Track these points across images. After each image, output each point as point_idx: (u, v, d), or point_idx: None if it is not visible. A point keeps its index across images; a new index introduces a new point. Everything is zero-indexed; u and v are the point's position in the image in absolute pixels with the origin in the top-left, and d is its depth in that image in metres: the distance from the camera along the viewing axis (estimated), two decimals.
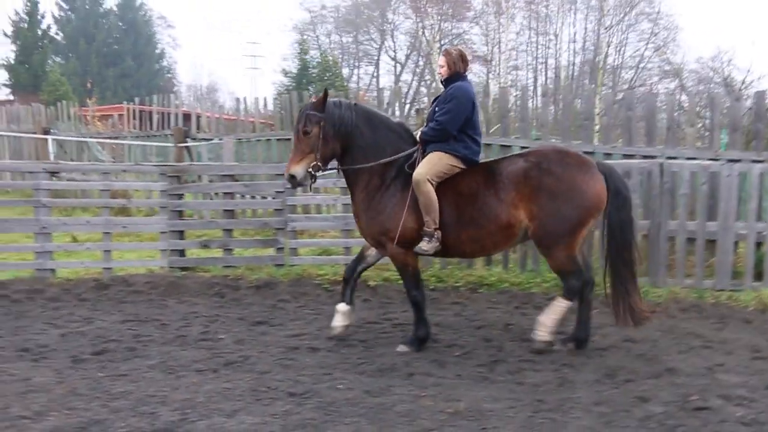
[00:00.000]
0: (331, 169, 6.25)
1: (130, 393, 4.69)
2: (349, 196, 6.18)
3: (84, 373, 5.10)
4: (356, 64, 54.78)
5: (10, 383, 4.86)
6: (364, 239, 6.21)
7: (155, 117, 16.30)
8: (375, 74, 53.82)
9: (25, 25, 43.84)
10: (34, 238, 7.99)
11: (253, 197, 9.09)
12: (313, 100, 5.89)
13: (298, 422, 4.26)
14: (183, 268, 8.29)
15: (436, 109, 5.96)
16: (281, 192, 8.34)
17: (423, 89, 47.17)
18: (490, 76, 43.16)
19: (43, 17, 45.88)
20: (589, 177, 5.64)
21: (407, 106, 39.96)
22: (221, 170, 8.65)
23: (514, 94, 25.83)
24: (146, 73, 55.59)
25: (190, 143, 12.76)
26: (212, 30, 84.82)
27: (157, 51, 58.91)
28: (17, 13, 44.16)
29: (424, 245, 5.73)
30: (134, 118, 17.99)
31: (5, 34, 44.07)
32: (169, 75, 60.14)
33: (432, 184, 5.72)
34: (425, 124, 6.14)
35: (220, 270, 8.28)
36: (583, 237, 5.76)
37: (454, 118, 5.79)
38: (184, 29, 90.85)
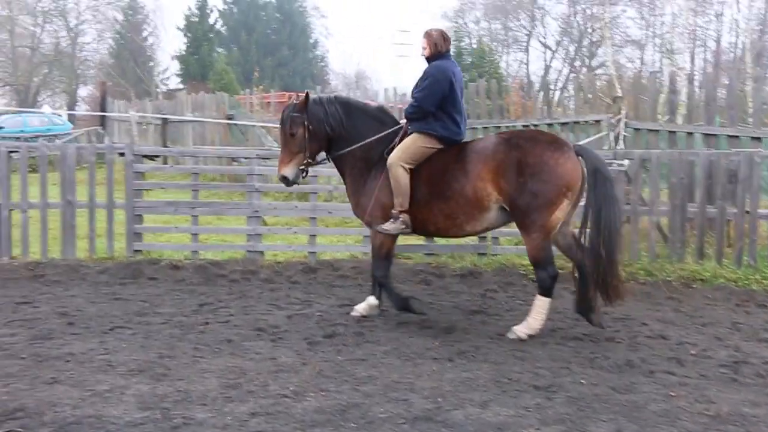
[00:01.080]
0: (321, 161, 6.51)
1: (375, 378, 4.74)
2: None
3: (323, 356, 5.21)
4: (506, 50, 53.93)
5: (260, 362, 5.04)
6: None
7: None
8: (525, 61, 52.82)
9: (196, 19, 46.33)
10: (246, 221, 8.31)
11: None
12: (295, 101, 6.14)
13: (555, 417, 4.15)
14: None
15: (416, 86, 6.10)
16: None
17: (573, 75, 45.78)
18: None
19: (211, 11, 48.31)
20: (559, 154, 5.62)
21: (557, 93, 39.16)
22: None
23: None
24: (301, 62, 57.31)
25: None
26: (362, 19, 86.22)
27: (311, 41, 60.52)
28: (189, 9, 46.76)
29: (387, 225, 6.01)
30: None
31: (179, 28, 46.82)
32: (321, 64, 61.67)
33: (405, 168, 5.90)
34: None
35: (422, 257, 8.31)
36: (557, 220, 5.67)
37: (429, 95, 5.91)
38: (335, 19, 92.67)
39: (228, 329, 5.85)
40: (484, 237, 8.19)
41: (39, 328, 5.73)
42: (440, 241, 8.24)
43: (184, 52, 46.61)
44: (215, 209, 8.56)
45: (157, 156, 12.40)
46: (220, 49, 51.75)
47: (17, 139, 21.13)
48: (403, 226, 6.00)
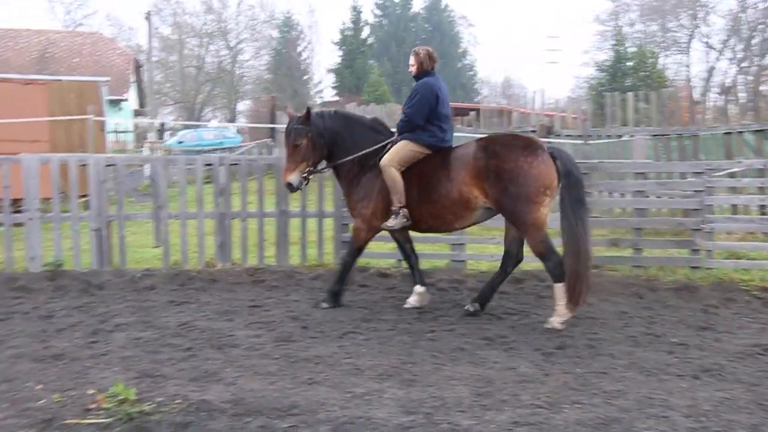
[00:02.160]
0: (323, 169, 7.19)
1: (625, 393, 4.64)
2: None
3: (561, 367, 5.18)
4: (663, 53, 51.76)
5: (502, 371, 5.07)
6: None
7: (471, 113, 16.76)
8: (685, 63, 50.50)
9: (351, 33, 47.65)
10: None
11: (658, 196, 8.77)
12: (298, 115, 6.79)
13: None
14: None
15: (406, 103, 6.77)
16: (700, 191, 7.93)
17: (741, 77, 43.25)
18: None
19: (365, 25, 49.51)
20: (532, 158, 6.15)
21: (722, 96, 37.10)
22: (633, 167, 8.42)
23: None
24: (450, 72, 57.59)
25: (552, 139, 12.80)
26: (510, 26, 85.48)
27: (459, 50, 60.74)
28: (344, 23, 48.20)
29: (390, 221, 6.65)
30: (454, 115, 18.72)
31: (333, 42, 48.35)
32: (470, 73, 61.74)
33: (395, 168, 6.54)
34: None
35: (629, 269, 8.10)
36: (544, 216, 6.18)
37: (418, 110, 6.57)
38: (483, 27, 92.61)
39: (456, 338, 5.92)
40: (697, 250, 7.87)
41: (278, 330, 6.04)
42: (649, 253, 7.99)
43: (338, 65, 48.06)
44: None
45: None
46: (371, 61, 53.08)
47: (197, 152, 22.49)
48: (405, 220, 6.61)
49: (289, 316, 6.52)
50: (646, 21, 51.33)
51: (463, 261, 8.37)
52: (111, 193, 9.31)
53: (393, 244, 8.82)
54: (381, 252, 8.97)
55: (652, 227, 8.97)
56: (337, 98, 46.25)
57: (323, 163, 7.07)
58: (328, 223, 8.62)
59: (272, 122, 25.62)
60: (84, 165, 8.18)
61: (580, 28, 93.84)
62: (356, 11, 48.26)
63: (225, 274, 7.98)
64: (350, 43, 47.07)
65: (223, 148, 25.37)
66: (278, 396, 4.47)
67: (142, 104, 42.76)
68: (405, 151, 6.63)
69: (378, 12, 58.57)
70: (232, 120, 54.00)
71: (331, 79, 50.68)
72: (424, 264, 8.31)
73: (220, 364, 5.11)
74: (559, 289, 6.21)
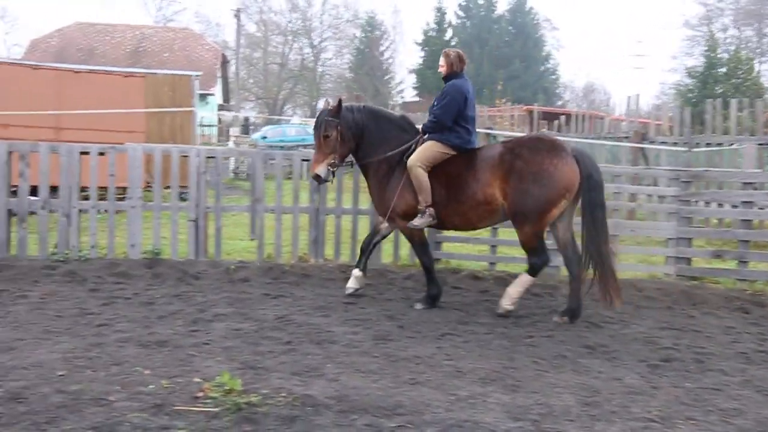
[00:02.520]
0: (347, 163, 7.15)
1: (743, 412, 4.43)
2: None
3: (669, 381, 4.99)
4: (758, 59, 49.82)
5: (607, 381, 4.92)
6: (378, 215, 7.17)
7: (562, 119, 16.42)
8: None
9: (434, 34, 47.57)
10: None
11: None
12: (329, 107, 6.81)
13: None
14: (690, 277, 7.94)
15: (435, 103, 6.79)
16: None
17: None
18: None
19: (448, 26, 49.35)
20: (557, 160, 6.27)
21: None
22: (743, 177, 8.08)
23: None
24: (532, 75, 56.87)
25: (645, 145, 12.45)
26: (594, 30, 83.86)
27: (543, 53, 59.85)
28: (427, 24, 48.15)
29: (416, 221, 6.73)
30: (542, 119, 18.45)
31: (416, 43, 48.36)
32: (553, 77, 60.79)
33: (423, 168, 6.58)
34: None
35: (733, 282, 7.78)
36: (553, 216, 6.35)
37: (448, 111, 6.61)
38: (568, 31, 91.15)
39: (555, 345, 5.79)
40: None
41: (375, 328, 6.01)
42: (755, 266, 7.65)
43: (420, 66, 48.02)
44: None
45: None
46: None
47: (281, 147, 22.80)
48: (431, 219, 6.70)
49: (384, 315, 6.49)
50: (741, 26, 49.59)
51: (557, 267, 8.17)
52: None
53: (483, 246, 8.78)
54: (473, 254, 8.88)
55: (763, 240, 8.55)
56: (418, 99, 46.26)
57: (348, 158, 7.12)
58: None
59: None
60: (185, 156, 8.33)
61: (668, 32, 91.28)
62: (440, 12, 48.19)
63: (318, 270, 8.01)
64: (433, 44, 46.93)
65: (306, 145, 25.63)
66: (382, 395, 4.43)
67: (226, 99, 43.68)
68: (432, 151, 6.68)
69: (461, 13, 58.27)
70: (313, 117, 54.62)
71: (412, 79, 50.72)
72: (518, 269, 8.22)
73: (320, 359, 5.11)
74: (526, 280, 6.56)
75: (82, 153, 8.02)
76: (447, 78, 6.82)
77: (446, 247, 8.66)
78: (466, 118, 6.72)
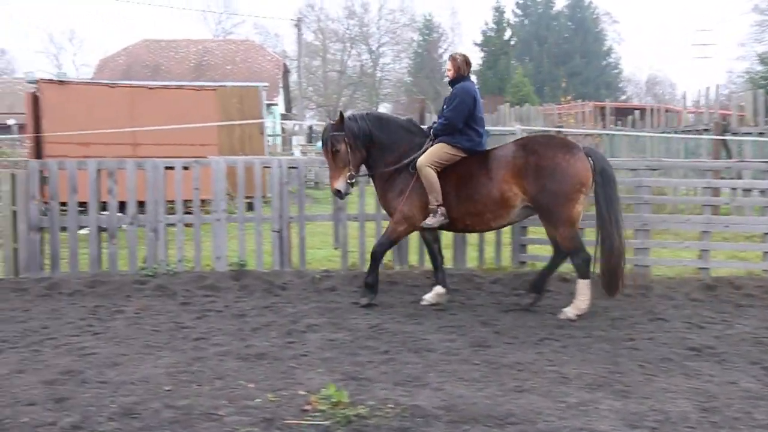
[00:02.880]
0: (364, 174, 7.22)
1: None
2: None
3: None
4: None
5: (722, 385, 4.73)
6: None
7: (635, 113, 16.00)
8: None
9: (493, 34, 47.18)
10: (633, 234, 8.00)
11: None
12: (332, 122, 6.86)
13: None
14: None
15: (444, 107, 6.89)
16: None
17: None
18: None
19: (507, 25, 48.89)
20: (570, 156, 6.40)
21: None
22: None
23: None
24: (594, 70, 55.97)
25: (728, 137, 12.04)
26: (656, 21, 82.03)
27: (604, 48, 58.82)
28: (486, 24, 47.78)
29: (430, 220, 6.74)
30: (611, 115, 18.08)
31: (475, 44, 48.04)
32: (615, 71, 59.69)
33: (432, 168, 6.64)
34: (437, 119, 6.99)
35: None
36: (578, 213, 6.43)
37: (459, 113, 6.66)
38: (628, 23, 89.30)
39: (658, 347, 5.61)
40: None
41: (471, 335, 5.93)
42: None
43: (480, 67, 47.69)
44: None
45: None
46: (513, 62, 52.33)
47: None
48: (443, 218, 6.69)
49: (478, 321, 6.40)
50: None
51: (647, 266, 7.94)
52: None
53: None
54: None
55: None
56: None
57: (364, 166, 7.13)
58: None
59: (422, 123, 25.75)
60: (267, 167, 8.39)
61: (733, 20, 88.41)
62: (499, 12, 47.75)
63: (403, 277, 7.96)
64: (493, 44, 46.54)
65: None
66: (490, 403, 4.34)
67: (288, 108, 44.14)
68: (441, 153, 6.73)
69: (518, 12, 57.71)
70: None
71: (471, 80, 50.39)
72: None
73: (421, 368, 5.05)
74: (584, 285, 6.48)
75: (167, 168, 8.14)
76: (454, 81, 6.89)
77: (531, 249, 8.48)
78: (476, 119, 6.79)
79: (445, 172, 6.72)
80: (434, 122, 7.07)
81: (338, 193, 6.91)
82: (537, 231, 9.49)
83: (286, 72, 43.29)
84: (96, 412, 4.23)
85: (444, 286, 7.10)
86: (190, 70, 38.41)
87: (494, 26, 47.75)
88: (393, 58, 62.00)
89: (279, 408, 4.30)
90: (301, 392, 4.54)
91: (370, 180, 7.44)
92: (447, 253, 8.43)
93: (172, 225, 8.29)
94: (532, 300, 6.92)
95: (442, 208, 6.69)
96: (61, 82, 14.10)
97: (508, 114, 19.93)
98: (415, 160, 6.80)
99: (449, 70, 6.96)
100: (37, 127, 13.81)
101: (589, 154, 6.56)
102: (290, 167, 8.35)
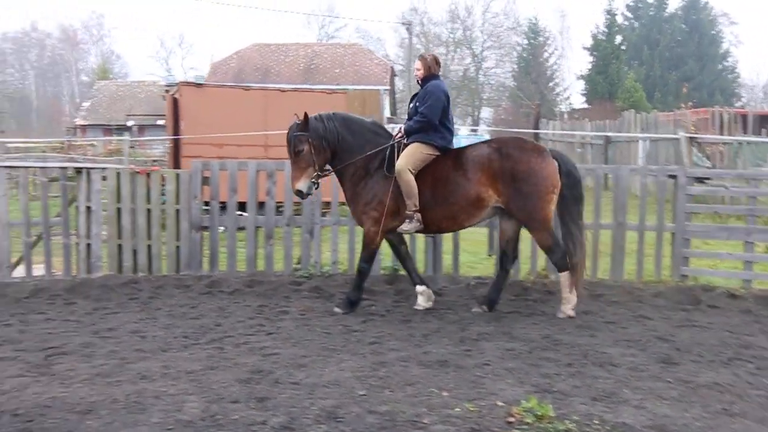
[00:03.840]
0: (328, 172, 7.06)
1: None
2: None
3: None
4: None
5: None
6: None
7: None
8: None
9: (603, 38, 46.06)
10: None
11: None
12: (297, 122, 6.78)
13: None
14: None
15: (417, 104, 6.85)
16: None
17: None
18: None
19: (618, 29, 47.65)
20: (541, 160, 6.65)
21: None
22: None
23: None
24: (708, 75, 53.82)
25: None
26: None
27: (720, 51, 56.50)
28: (597, 27, 46.68)
29: (406, 226, 6.78)
30: (735, 122, 17.29)
31: (585, 48, 47.03)
32: (731, 75, 57.24)
33: (412, 173, 6.65)
34: (407, 119, 7.02)
35: None
36: (551, 213, 6.68)
37: (434, 110, 6.71)
38: (747, 25, 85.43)
39: None
40: None
41: (651, 350, 5.71)
42: None
43: (589, 71, 46.64)
44: None
45: (707, 178, 11.13)
46: (625, 67, 50.88)
47: None
48: (419, 224, 6.76)
49: (653, 335, 6.17)
50: None
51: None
52: None
53: (732, 263, 8.23)
54: (724, 270, 8.34)
55: None
56: (586, 105, 44.93)
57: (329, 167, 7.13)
58: (668, 237, 8.14)
59: (536, 129, 25.38)
60: None
61: None
62: (610, 15, 46.52)
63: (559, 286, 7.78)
64: (603, 48, 45.37)
65: None
66: (702, 426, 4.17)
67: (393, 112, 44.35)
68: (418, 153, 6.75)
69: (629, 14, 56.15)
70: (476, 126, 54.41)
71: (580, 85, 49.24)
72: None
73: (612, 383, 4.90)
74: (565, 277, 6.75)
75: None
76: (425, 80, 6.91)
77: (694, 262, 8.17)
78: (448, 117, 6.89)
79: (420, 173, 6.75)
80: (403, 124, 7.10)
81: (299, 194, 6.90)
82: (703, 244, 9.22)
83: (393, 75, 43.48)
84: (300, 414, 4.28)
85: (422, 283, 7.21)
86: (299, 73, 39.04)
87: (605, 30, 46.51)
88: (496, 62, 61.49)
89: (482, 419, 4.23)
90: (499, 403, 4.46)
91: None
92: (604, 264, 8.26)
93: (327, 227, 8.38)
94: (482, 311, 6.95)
95: (419, 214, 6.73)
96: (199, 85, 14.52)
97: (634, 121, 19.32)
98: (382, 159, 6.87)
99: (419, 69, 6.98)
100: (176, 128, 14.30)
101: (555, 157, 6.80)
102: None
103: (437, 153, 6.82)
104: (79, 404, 4.42)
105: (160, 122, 24.89)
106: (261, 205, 8.37)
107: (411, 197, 6.70)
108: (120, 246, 8.19)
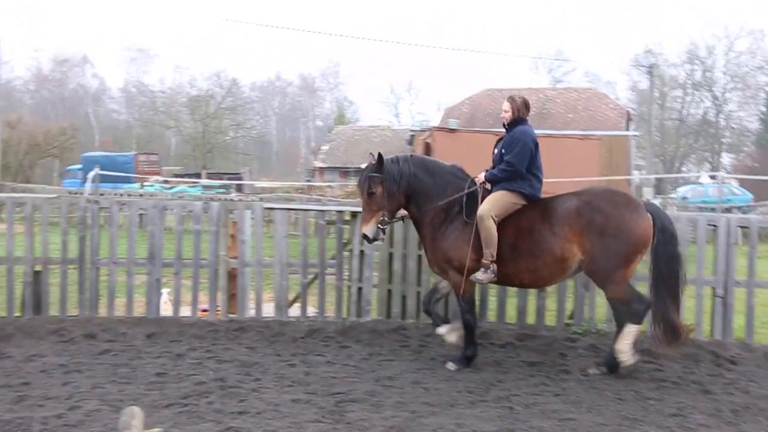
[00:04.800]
0: (397, 218, 6.90)
1: None
2: None
3: None
4: None
5: None
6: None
7: None
8: None
9: None
10: None
11: None
12: (372, 162, 6.47)
13: None
14: None
15: (503, 151, 6.51)
16: None
17: None
18: None
19: None
20: (636, 215, 6.20)
21: None
22: None
23: None
24: None
25: None
26: None
27: None
28: None
29: (480, 275, 6.38)
30: None
31: None
32: None
33: (494, 220, 6.26)
34: (492, 166, 6.60)
35: None
36: (632, 271, 6.37)
37: (522, 158, 6.36)
38: None
39: None
40: None
41: None
42: None
43: None
44: None
45: None
46: None
47: (702, 209, 21.05)
48: (493, 275, 6.34)
49: None
50: None
51: None
52: None
53: None
54: None
55: None
56: None
57: (400, 212, 6.89)
58: None
59: None
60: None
61: None
62: None
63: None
64: None
65: (731, 207, 23.41)
66: None
67: None
68: (503, 201, 6.39)
69: None
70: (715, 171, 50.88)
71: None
72: None
73: None
74: (634, 331, 6.18)
75: None
76: (512, 124, 6.54)
77: None
78: (537, 165, 6.51)
79: (502, 223, 6.36)
80: (486, 170, 6.63)
81: (366, 238, 6.62)
82: None
83: (629, 120, 41.87)
84: None
85: (445, 320, 7.01)
86: (531, 118, 38.31)
87: None
88: (739, 105, 57.42)
89: None
90: None
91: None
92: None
93: None
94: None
95: (495, 265, 6.33)
96: (452, 131, 14.72)
97: None
98: (457, 203, 6.53)
99: (506, 111, 6.57)
100: None
101: (651, 212, 6.32)
102: (740, 226, 7.55)
103: (524, 202, 6.47)
104: None
105: None
106: None
107: (489, 246, 6.34)
108: (389, 291, 8.24)
